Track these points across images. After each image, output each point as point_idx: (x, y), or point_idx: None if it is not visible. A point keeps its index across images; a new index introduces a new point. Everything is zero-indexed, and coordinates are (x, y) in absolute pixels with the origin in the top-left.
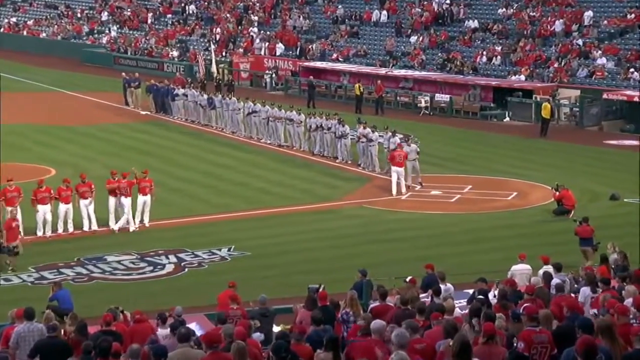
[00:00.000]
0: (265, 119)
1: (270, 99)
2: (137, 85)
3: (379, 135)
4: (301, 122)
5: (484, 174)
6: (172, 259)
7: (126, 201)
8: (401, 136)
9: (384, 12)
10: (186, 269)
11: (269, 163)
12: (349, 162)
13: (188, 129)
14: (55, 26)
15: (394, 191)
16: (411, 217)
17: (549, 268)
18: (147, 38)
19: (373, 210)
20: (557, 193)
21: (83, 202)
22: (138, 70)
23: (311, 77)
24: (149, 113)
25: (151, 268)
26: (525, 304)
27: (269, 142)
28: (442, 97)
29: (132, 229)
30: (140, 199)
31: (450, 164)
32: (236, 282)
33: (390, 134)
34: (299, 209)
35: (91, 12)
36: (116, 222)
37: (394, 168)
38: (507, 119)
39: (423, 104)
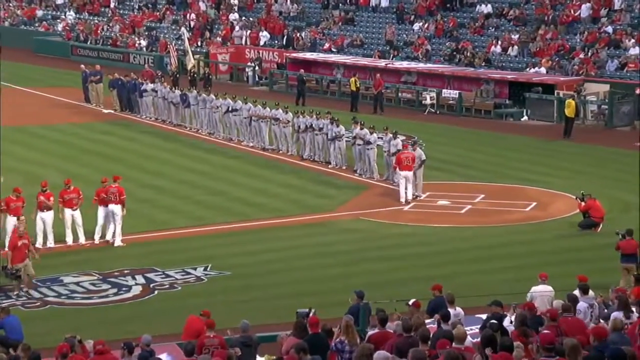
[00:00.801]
0: (247, 119)
1: (253, 96)
2: (98, 80)
3: (378, 137)
4: (288, 121)
5: (499, 181)
6: (140, 279)
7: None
8: (403, 138)
9: None
10: (156, 291)
11: (252, 169)
12: (344, 167)
13: (158, 130)
14: (2, 11)
15: (403, 199)
16: (415, 231)
17: (575, 290)
18: (110, 25)
19: (371, 223)
20: (583, 203)
21: (68, 212)
22: (100, 62)
23: (301, 70)
24: (112, 111)
25: (115, 290)
26: (545, 331)
27: (251, 144)
28: (450, 93)
29: (97, 241)
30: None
31: (459, 170)
32: (210, 312)
33: (390, 135)
34: (285, 221)
35: None
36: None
37: (402, 173)
38: (525, 118)
39: (428, 101)
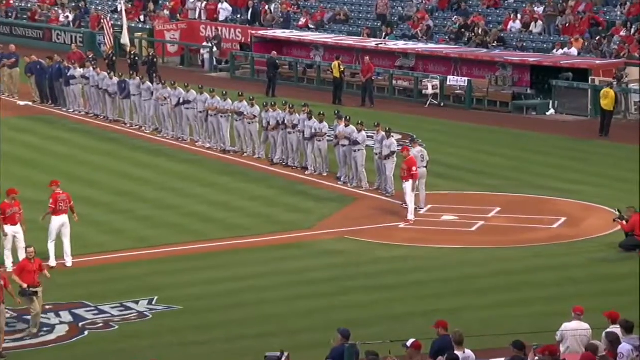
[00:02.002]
0: (203, 113)
1: (210, 84)
2: (13, 63)
3: (367, 136)
4: (255, 116)
5: (518, 190)
6: (66, 317)
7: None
8: (399, 137)
9: None
10: (86, 332)
11: (209, 176)
12: (325, 174)
13: (89, 127)
14: None
15: (411, 215)
16: (414, 254)
17: (616, 328)
18: None
19: (359, 243)
20: (625, 222)
21: (11, 229)
22: (13, 40)
23: (273, 52)
24: (30, 103)
25: (34, 331)
26: None
27: (208, 145)
28: (458, 81)
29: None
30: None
31: (469, 177)
32: None
33: (383, 134)
34: (252, 242)
35: None
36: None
37: (408, 183)
38: (552, 111)
39: (430, 91)
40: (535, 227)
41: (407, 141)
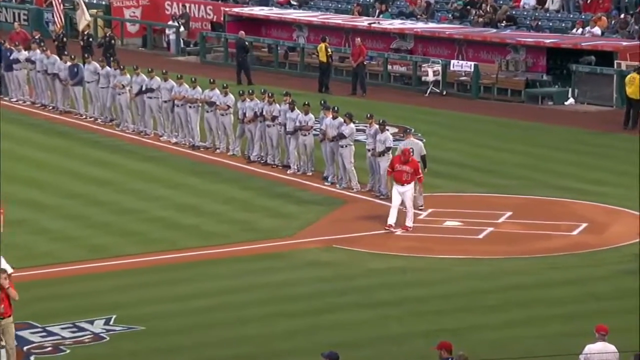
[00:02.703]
0: (169, 103)
1: (176, 70)
2: None
3: (358, 130)
4: (229, 107)
5: (532, 192)
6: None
7: None
8: (395, 130)
9: None
10: (32, 357)
11: (176, 176)
12: (309, 173)
13: (35, 119)
14: None
15: (391, 219)
16: (412, 265)
17: None
18: None
19: (349, 253)
20: None
21: None
22: None
23: (241, 32)
24: None
25: None
26: None
27: (174, 140)
28: (463, 66)
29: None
30: None
31: (475, 177)
32: None
33: (376, 127)
34: (225, 252)
35: None
36: None
37: (397, 187)
38: (571, 100)
39: (431, 78)
40: (551, 235)
41: (400, 134)
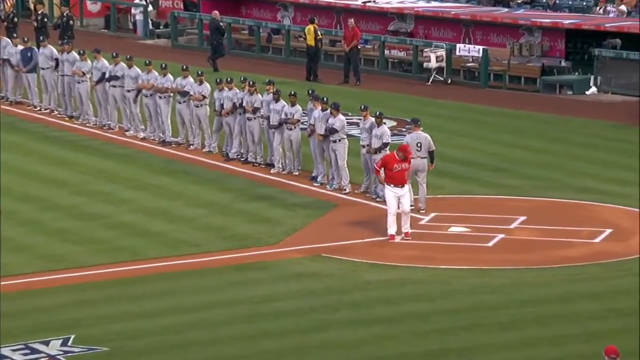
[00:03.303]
0: (134, 92)
1: (144, 55)
2: None
3: (350, 123)
4: (205, 97)
5: (549, 193)
6: None
7: None
8: (394, 124)
9: None
10: None
11: (144, 175)
12: (296, 172)
13: None
14: None
15: (392, 228)
16: (413, 277)
17: None
18: None
19: (341, 263)
20: None
21: None
22: None
23: (215, 12)
24: None
25: None
26: None
27: (142, 135)
28: (470, 51)
29: None
30: None
31: (484, 176)
32: None
33: (371, 120)
34: (201, 262)
35: None
36: None
37: (395, 190)
38: (593, 89)
39: (434, 64)
40: (570, 242)
41: (404, 129)
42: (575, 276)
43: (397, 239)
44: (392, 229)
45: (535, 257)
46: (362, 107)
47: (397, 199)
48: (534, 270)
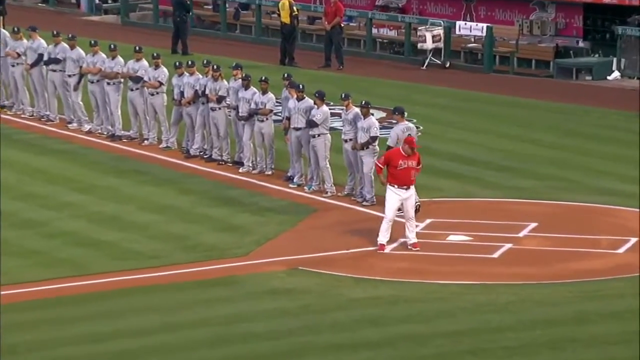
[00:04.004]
0: (78, 78)
1: (89, 34)
2: None
3: (333, 114)
4: (161, 84)
5: (564, 196)
6: None
7: None
8: (382, 114)
9: None
10: None
11: (90, 176)
12: (269, 172)
13: None
14: None
15: (384, 237)
16: (406, 294)
17: None
18: None
19: (322, 278)
20: None
21: None
22: None
23: None
24: None
25: None
26: None
27: (88, 127)
28: (472, 29)
29: None
30: None
31: (488, 176)
32: None
33: (356, 110)
34: (157, 278)
35: None
36: None
37: (399, 192)
38: (615, 74)
39: (429, 45)
40: (588, 253)
41: (394, 121)
42: (594, 293)
43: (387, 249)
44: (383, 237)
45: (548, 271)
46: (343, 95)
47: (399, 203)
48: (545, 286)
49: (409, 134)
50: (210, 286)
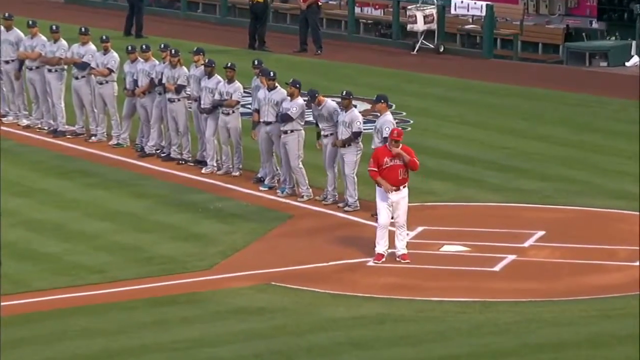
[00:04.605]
0: (17, 64)
1: (28, 13)
2: None
3: (308, 105)
4: (111, 71)
5: (576, 200)
6: None
7: None
8: (367, 106)
9: None
10: None
11: (29, 178)
12: (236, 173)
13: None
14: None
15: (382, 246)
16: (395, 313)
17: None
18: None
19: (297, 295)
20: None
21: None
22: None
23: None
24: None
25: None
26: None
27: (26, 122)
28: (469, 8)
29: None
30: None
31: (489, 177)
32: None
33: (330, 105)
34: (105, 295)
35: None
36: None
37: (379, 193)
38: (635, 59)
39: (421, 26)
40: (603, 266)
41: (375, 109)
42: (610, 311)
43: (371, 262)
44: (380, 246)
45: (557, 286)
46: (311, 94)
47: (389, 207)
48: (555, 303)
49: (387, 128)
50: (167, 305)
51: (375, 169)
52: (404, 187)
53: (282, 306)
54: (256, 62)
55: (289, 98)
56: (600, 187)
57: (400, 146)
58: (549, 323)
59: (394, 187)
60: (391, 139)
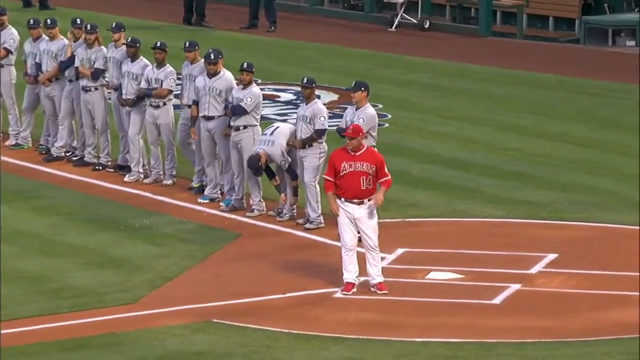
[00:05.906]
0: None
1: None
2: None
3: (263, 94)
4: (9, 52)
5: (597, 215)
6: None
7: None
8: (334, 97)
9: None
10: None
11: None
12: (169, 181)
13: None
14: None
15: (352, 274)
16: (369, 358)
17: None
18: None
19: (246, 334)
20: None
21: None
22: None
23: None
24: None
25: None
26: None
27: None
28: None
29: None
30: None
31: (487, 186)
32: None
33: (288, 96)
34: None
35: None
36: None
37: (348, 208)
38: None
39: None
40: (628, 297)
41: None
42: (636, 355)
43: (340, 293)
44: (349, 273)
45: (572, 323)
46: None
47: (352, 224)
48: (569, 345)
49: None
50: (79, 349)
51: (331, 179)
52: (368, 200)
53: (226, 350)
54: (187, 45)
55: (240, 86)
56: (626, 199)
57: (364, 147)
58: None
59: (353, 198)
60: (345, 135)
